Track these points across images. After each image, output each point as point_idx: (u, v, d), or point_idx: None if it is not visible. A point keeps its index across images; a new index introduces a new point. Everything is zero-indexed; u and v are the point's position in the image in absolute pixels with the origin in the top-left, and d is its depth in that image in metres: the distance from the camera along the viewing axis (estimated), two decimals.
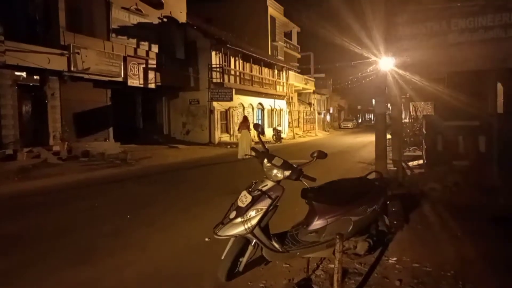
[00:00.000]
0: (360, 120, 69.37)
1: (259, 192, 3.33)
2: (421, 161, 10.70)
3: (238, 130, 15.74)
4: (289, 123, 31.29)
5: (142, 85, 17.85)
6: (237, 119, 23.65)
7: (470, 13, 7.03)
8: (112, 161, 13.53)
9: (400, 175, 7.74)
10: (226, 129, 22.86)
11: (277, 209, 3.43)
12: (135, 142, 18.61)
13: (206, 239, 4.75)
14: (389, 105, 10.69)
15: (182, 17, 21.79)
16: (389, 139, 21.84)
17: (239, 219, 3.27)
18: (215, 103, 21.27)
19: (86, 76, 15.07)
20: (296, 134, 31.20)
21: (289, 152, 18.56)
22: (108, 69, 15.69)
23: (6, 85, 12.81)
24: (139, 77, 17.60)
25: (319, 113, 40.16)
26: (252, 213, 3.26)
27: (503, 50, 6.80)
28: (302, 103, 37.75)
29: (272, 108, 28.73)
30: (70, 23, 14.73)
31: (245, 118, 15.83)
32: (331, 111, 47.70)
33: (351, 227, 3.55)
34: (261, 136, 3.82)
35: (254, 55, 24.67)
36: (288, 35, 39.12)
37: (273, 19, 34.01)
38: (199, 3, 29.40)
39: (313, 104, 39.48)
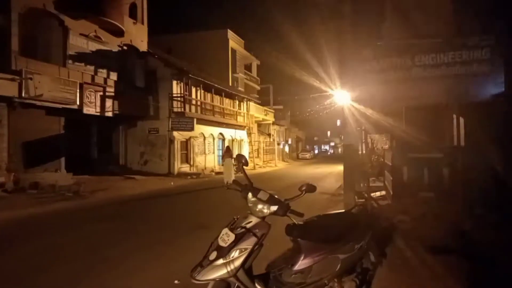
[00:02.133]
0: (317, 151, 70.82)
1: (243, 230, 3.04)
2: (383, 192, 10.84)
3: (222, 159, 18.34)
4: (249, 153, 31.22)
5: (98, 113, 17.09)
6: (197, 149, 23.23)
7: (432, 50, 7.35)
8: (64, 193, 12.61)
9: (369, 208, 7.71)
10: (186, 159, 22.30)
11: (262, 248, 3.15)
12: (89, 173, 17.59)
13: (176, 282, 4.32)
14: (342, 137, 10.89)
15: (143, 46, 21.48)
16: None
17: (220, 261, 2.94)
18: (175, 133, 20.79)
19: (38, 103, 14.19)
20: (257, 164, 31.14)
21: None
22: (63, 96, 14.90)
23: None
24: (95, 105, 16.86)
25: (278, 144, 40.54)
26: (235, 253, 2.95)
27: (463, 85, 7.11)
28: (262, 133, 38.02)
29: (233, 138, 28.60)
30: (24, 48, 13.98)
31: (228, 148, 17.83)
32: (289, 142, 48.41)
33: (338, 266, 3.32)
34: (240, 167, 3.56)
35: (216, 85, 24.67)
36: (248, 67, 39.78)
37: (234, 51, 34.53)
38: (160, 35, 29.35)
39: (273, 135, 39.89)
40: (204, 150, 24.05)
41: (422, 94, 8.32)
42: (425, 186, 7.91)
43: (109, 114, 17.76)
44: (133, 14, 20.81)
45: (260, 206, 3.14)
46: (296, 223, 3.33)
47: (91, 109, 16.60)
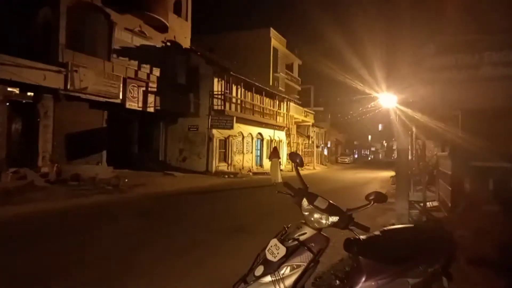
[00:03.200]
0: (356, 156, 68.90)
1: (296, 243, 2.53)
2: (435, 203, 9.95)
3: (269, 159, 18.95)
4: (287, 155, 30.59)
5: (140, 108, 17.18)
6: (235, 148, 22.95)
7: (504, 46, 6.50)
8: (104, 186, 12.64)
9: (424, 219, 6.96)
10: (224, 158, 22.07)
11: (318, 265, 2.62)
12: (129, 168, 17.73)
13: None
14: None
15: (186, 43, 21.48)
16: (391, 177, 20.87)
17: (268, 278, 2.45)
18: (214, 131, 20.60)
19: (82, 96, 14.39)
20: None
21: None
22: (107, 89, 15.05)
23: None
24: (138, 100, 16.96)
25: (317, 146, 39.63)
26: (286, 270, 2.45)
27: None
28: (301, 135, 37.28)
29: (272, 138, 28.11)
30: (71, 41, 14.22)
31: (275, 149, 18.25)
32: (328, 145, 47.26)
33: None
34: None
35: (257, 84, 24.29)
36: (289, 67, 39.15)
37: (275, 50, 34.05)
38: (202, 34, 29.44)
39: (312, 137, 39.03)
40: (242, 149, 23.73)
41: (487, 95, 7.45)
42: (490, 199, 7.03)
43: (151, 109, 17.83)
44: (177, 10, 20.84)
45: (317, 216, 2.62)
46: (358, 237, 2.78)
47: (133, 104, 16.70)
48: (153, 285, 4.28)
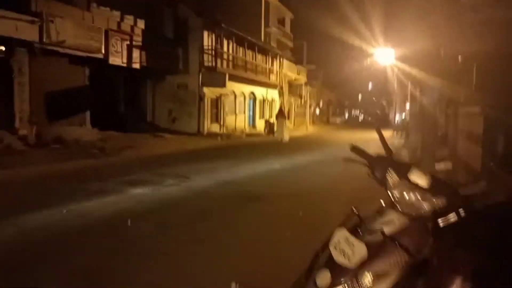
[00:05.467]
0: (346, 116, 68.10)
1: (380, 237, 1.65)
2: (450, 165, 9.23)
3: (276, 118, 21.17)
4: None
5: (125, 65, 15.82)
6: (228, 108, 21.86)
7: None
8: (89, 149, 11.63)
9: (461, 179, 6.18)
10: (216, 118, 21.02)
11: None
12: (115, 129, 16.58)
13: (233, 286, 3.04)
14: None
15: None
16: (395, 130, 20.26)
17: None
18: (205, 89, 19.41)
19: (60, 50, 12.98)
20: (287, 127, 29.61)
21: (291, 148, 16.99)
22: (87, 43, 13.62)
23: None
24: (122, 55, 15.55)
25: (310, 106, 38.70)
26: (368, 280, 1.58)
27: None
28: (293, 95, 36.15)
29: (264, 98, 27.02)
30: None
31: (281, 109, 21.28)
32: (321, 105, 46.35)
33: None
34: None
35: (249, 38, 22.84)
36: (281, 22, 37.26)
37: (267, 3, 32.16)
38: None
39: (304, 96, 37.96)
40: (234, 109, 22.65)
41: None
42: None
43: (136, 66, 16.47)
44: None
45: (413, 196, 1.71)
46: (460, 215, 1.88)
47: (117, 59, 15.32)
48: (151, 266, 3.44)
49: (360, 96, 79.72)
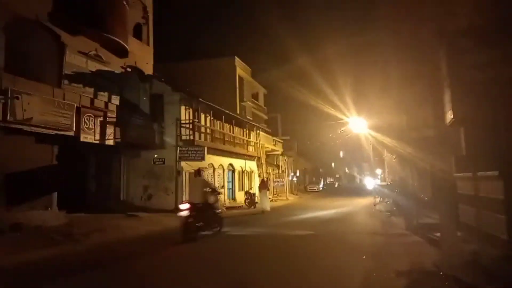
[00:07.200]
0: (322, 183, 67.97)
1: None
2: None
3: (259, 189, 21.66)
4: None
5: (98, 141, 14.93)
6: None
7: None
8: (53, 236, 10.25)
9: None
10: None
11: None
12: (85, 210, 15.21)
13: None
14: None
15: (148, 69, 19.68)
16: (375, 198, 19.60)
17: None
18: (183, 163, 18.56)
19: (26, 128, 12.02)
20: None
21: (275, 219, 16.00)
22: (56, 120, 12.78)
23: None
24: (94, 132, 14.70)
25: (288, 175, 38.29)
26: None
27: None
28: (271, 165, 35.76)
29: (243, 169, 26.34)
30: (11, 64, 12.02)
31: (263, 181, 22.20)
32: (297, 174, 46.07)
33: None
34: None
35: (227, 111, 22.71)
36: (255, 96, 38.20)
37: (241, 79, 33.08)
38: (165, 63, 27.82)
39: (282, 166, 37.65)
40: (213, 182, 21.69)
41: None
42: None
43: (110, 142, 15.59)
44: (137, 34, 19.15)
45: None
46: None
47: (89, 136, 14.43)
48: None
49: (333, 164, 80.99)
